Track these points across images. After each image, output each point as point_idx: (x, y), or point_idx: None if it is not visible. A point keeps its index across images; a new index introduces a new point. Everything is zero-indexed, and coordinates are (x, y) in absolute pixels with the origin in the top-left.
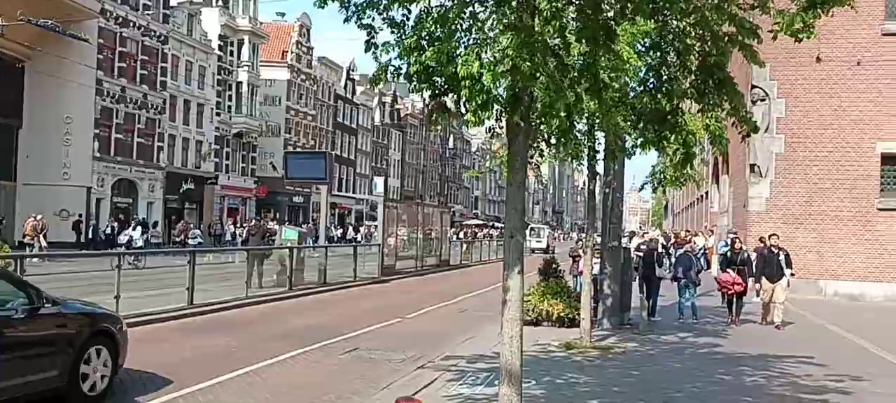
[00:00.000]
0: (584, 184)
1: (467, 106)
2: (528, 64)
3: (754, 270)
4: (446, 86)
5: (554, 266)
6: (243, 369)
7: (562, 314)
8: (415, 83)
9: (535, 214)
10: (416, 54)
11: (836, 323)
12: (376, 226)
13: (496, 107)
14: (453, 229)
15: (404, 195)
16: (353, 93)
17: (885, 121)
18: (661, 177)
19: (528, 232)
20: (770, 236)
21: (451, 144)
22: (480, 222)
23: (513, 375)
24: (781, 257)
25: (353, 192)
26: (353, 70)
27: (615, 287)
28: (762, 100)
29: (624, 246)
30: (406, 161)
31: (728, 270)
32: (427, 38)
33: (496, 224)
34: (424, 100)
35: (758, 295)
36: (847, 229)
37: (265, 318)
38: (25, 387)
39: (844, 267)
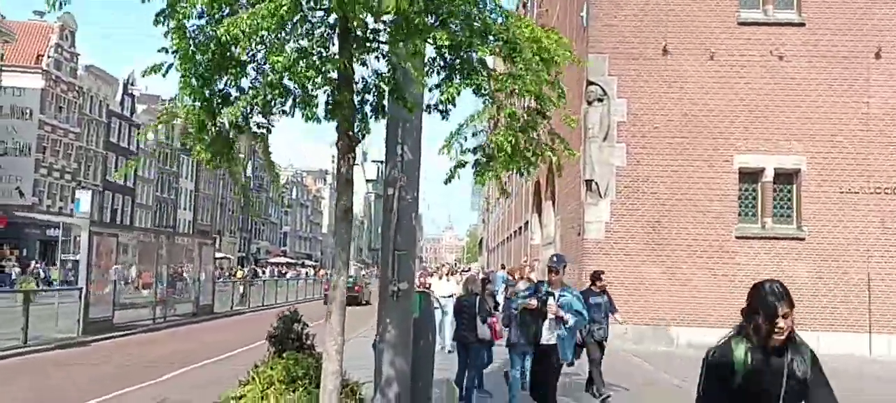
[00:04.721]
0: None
1: None
2: None
3: None
4: None
5: (297, 326)
6: None
7: None
8: None
9: (351, 251)
10: None
11: None
12: (77, 262)
13: None
14: (248, 268)
15: (198, 230)
16: (133, 110)
17: (743, 129)
18: (489, 150)
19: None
20: None
21: (249, 172)
22: (289, 260)
23: None
24: None
25: (133, 224)
26: (131, 83)
27: (403, 363)
28: (599, 100)
29: (424, 289)
30: (201, 191)
31: None
32: None
33: (306, 262)
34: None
35: None
36: (701, 262)
37: None
38: None
39: (698, 310)
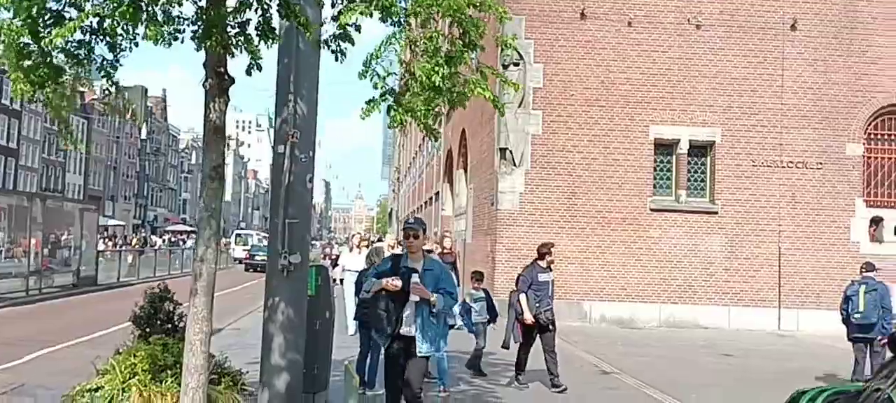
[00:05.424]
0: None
1: None
2: None
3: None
4: None
5: (167, 305)
6: None
7: None
8: None
9: (255, 220)
10: None
11: (635, 375)
12: None
13: None
14: (139, 235)
15: (89, 195)
16: None
17: (659, 99)
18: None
19: (234, 238)
20: None
21: (143, 135)
22: (189, 228)
23: None
24: None
25: (16, 188)
26: None
27: (294, 348)
28: (516, 64)
29: (321, 262)
30: (92, 154)
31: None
32: None
33: None
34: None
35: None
36: (615, 235)
37: None
38: None
39: (612, 283)
